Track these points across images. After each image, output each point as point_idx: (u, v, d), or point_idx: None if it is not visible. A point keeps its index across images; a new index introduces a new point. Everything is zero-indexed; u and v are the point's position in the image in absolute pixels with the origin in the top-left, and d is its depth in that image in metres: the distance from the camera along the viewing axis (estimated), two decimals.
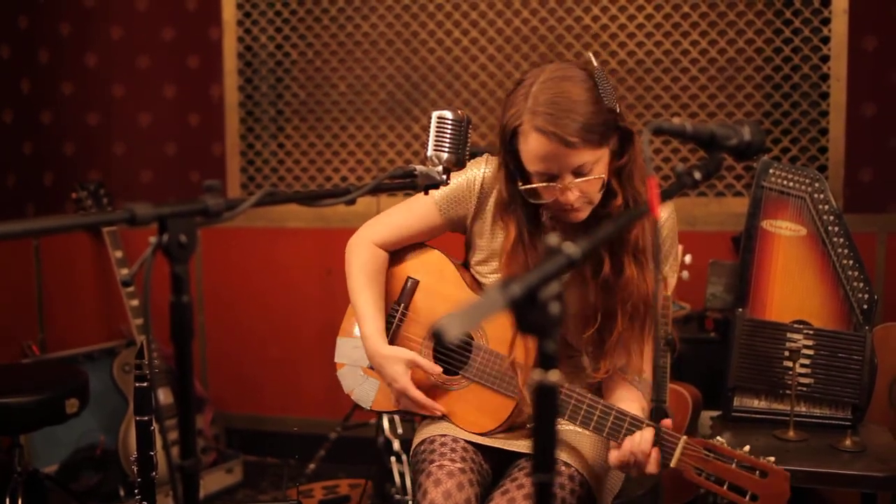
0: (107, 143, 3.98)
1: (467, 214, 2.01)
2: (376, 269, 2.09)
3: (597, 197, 1.81)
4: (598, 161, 1.76)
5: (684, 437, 1.73)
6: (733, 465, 1.67)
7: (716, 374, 2.72)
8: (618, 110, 1.77)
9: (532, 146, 1.76)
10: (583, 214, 1.82)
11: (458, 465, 1.85)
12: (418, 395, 1.95)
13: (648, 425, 1.76)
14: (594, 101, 1.73)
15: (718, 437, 1.74)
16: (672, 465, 1.72)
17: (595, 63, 1.78)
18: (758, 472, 1.63)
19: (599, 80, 1.74)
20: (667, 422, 1.76)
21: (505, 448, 1.94)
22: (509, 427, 1.99)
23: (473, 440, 1.94)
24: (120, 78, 3.97)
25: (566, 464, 1.88)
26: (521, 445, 1.94)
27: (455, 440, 1.92)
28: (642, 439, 1.74)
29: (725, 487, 1.66)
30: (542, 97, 1.74)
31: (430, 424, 2.01)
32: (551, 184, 1.77)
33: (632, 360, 1.91)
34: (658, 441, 1.73)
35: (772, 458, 1.67)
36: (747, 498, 1.64)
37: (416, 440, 2.00)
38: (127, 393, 3.55)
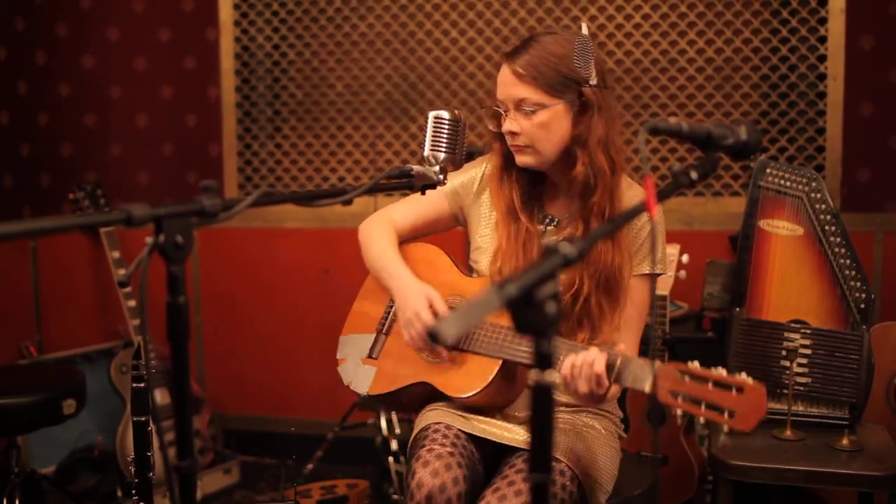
0: (104, 144, 3.98)
1: (466, 206, 2.16)
2: (393, 239, 2.19)
3: (540, 143, 1.95)
4: (543, 106, 1.91)
5: (657, 361, 1.75)
6: (709, 386, 1.65)
7: None
8: (589, 80, 1.91)
9: (498, 75, 1.97)
10: (525, 157, 1.98)
11: (448, 448, 1.90)
12: (428, 318, 1.99)
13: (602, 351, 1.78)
14: (562, 56, 1.90)
15: (692, 361, 1.73)
16: (647, 390, 1.71)
17: (584, 33, 1.93)
18: (734, 389, 1.61)
19: (578, 46, 1.90)
20: (620, 347, 1.82)
21: (497, 441, 1.96)
22: (496, 400, 2.01)
23: (466, 429, 1.97)
24: (117, 79, 3.96)
25: (556, 458, 1.90)
26: (514, 440, 1.97)
27: (448, 427, 1.96)
28: (588, 355, 1.77)
29: (703, 408, 1.64)
30: (523, 40, 1.96)
31: (427, 413, 2.06)
32: (499, 110, 1.98)
33: (613, 332, 1.99)
34: (618, 364, 1.75)
35: (745, 375, 1.64)
36: (725, 415, 1.61)
37: (413, 433, 2.05)
38: (124, 394, 3.54)
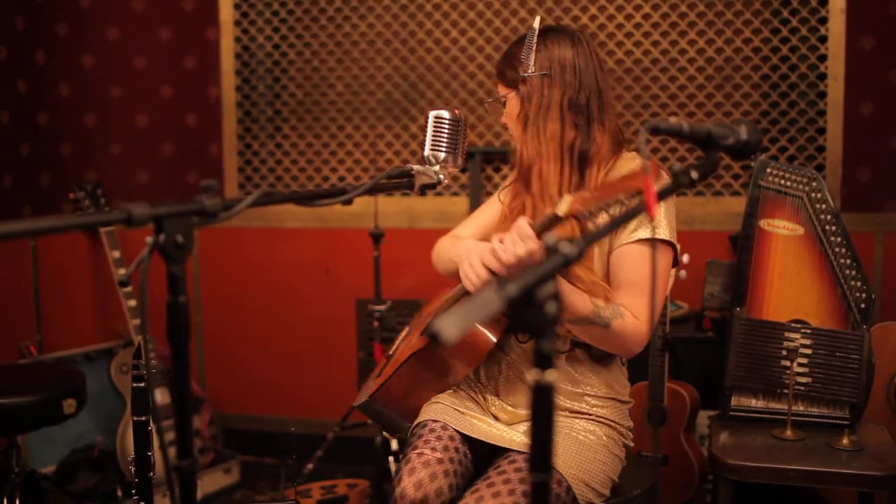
0: (104, 143, 3.98)
1: None
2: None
3: (511, 130, 2.09)
4: (507, 97, 2.07)
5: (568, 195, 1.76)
6: (616, 191, 1.65)
7: (714, 374, 2.72)
8: (526, 70, 2.01)
9: None
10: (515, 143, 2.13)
11: (438, 454, 1.91)
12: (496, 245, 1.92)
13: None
14: (517, 51, 2.04)
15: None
16: (562, 213, 1.71)
17: (534, 26, 2.02)
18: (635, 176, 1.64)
19: (525, 41, 2.02)
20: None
21: (490, 442, 1.97)
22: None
23: (461, 429, 1.98)
24: (117, 79, 3.96)
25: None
26: (504, 439, 1.97)
27: (444, 427, 1.98)
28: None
29: (612, 203, 1.66)
30: None
31: (427, 407, 2.08)
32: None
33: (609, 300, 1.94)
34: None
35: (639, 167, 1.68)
36: (633, 197, 1.62)
37: (416, 422, 2.08)
38: (124, 393, 3.54)
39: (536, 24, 2.03)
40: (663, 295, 2.11)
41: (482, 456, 2.00)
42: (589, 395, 2.04)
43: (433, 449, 1.92)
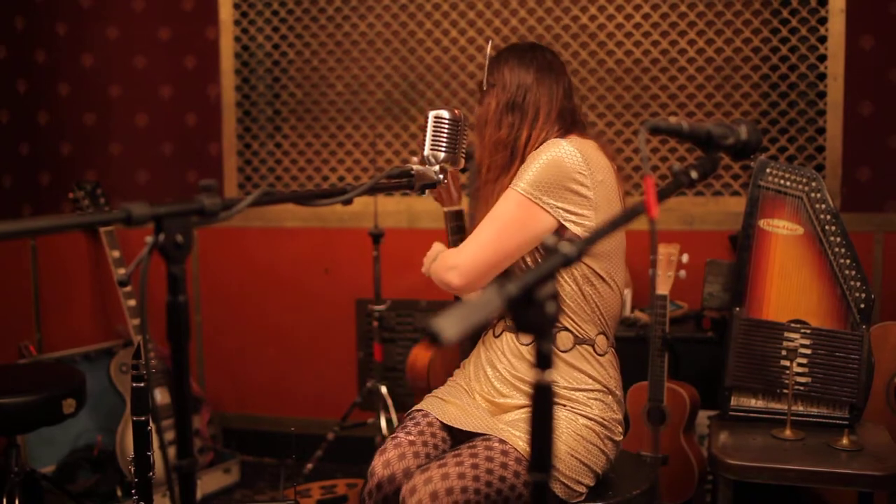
0: (103, 143, 3.98)
1: None
2: None
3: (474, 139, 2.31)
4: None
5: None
6: None
7: (713, 374, 2.72)
8: (482, 88, 2.21)
9: None
10: None
11: (411, 437, 2.05)
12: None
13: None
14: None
15: None
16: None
17: (486, 51, 2.20)
18: None
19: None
20: None
21: (461, 428, 2.04)
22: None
23: (439, 416, 2.07)
24: (116, 78, 3.96)
25: (501, 441, 1.97)
26: (483, 426, 2.02)
27: (426, 415, 2.11)
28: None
29: None
30: None
31: (426, 398, 2.18)
32: None
33: None
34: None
35: None
36: None
37: (405, 414, 2.21)
38: (124, 393, 3.54)
39: (488, 48, 2.19)
40: (504, 243, 2.02)
41: (462, 441, 2.05)
42: (556, 385, 2.06)
43: (407, 433, 2.06)
